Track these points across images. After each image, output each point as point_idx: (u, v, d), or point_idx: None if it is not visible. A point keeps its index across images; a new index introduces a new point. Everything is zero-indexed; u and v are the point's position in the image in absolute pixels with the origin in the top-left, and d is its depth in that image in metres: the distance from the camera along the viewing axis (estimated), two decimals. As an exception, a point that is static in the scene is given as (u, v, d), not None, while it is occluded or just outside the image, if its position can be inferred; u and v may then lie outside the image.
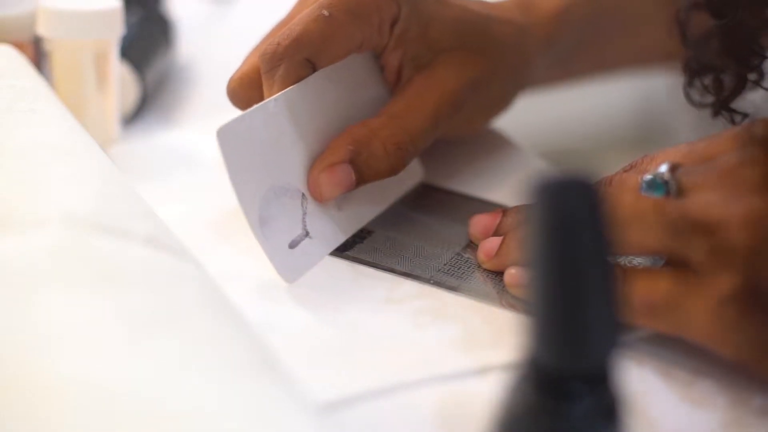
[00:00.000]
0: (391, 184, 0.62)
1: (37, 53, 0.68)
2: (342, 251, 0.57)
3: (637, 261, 0.52)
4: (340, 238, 0.58)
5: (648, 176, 0.49)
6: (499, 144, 0.71)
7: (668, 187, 0.48)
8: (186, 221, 0.57)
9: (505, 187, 0.64)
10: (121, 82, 0.70)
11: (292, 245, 0.56)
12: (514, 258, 0.54)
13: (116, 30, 0.67)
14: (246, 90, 0.60)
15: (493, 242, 0.55)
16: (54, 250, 0.43)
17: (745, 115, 0.54)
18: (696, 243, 0.45)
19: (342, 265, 0.56)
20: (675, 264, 0.47)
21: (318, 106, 0.58)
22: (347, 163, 0.57)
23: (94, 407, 0.36)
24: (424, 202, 0.63)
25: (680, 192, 0.48)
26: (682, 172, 0.48)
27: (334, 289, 0.54)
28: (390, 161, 0.58)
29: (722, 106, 0.54)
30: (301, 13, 0.58)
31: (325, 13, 0.57)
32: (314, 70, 0.58)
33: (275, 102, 0.56)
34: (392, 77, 0.62)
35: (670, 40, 0.57)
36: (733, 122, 0.54)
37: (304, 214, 0.57)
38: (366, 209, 0.61)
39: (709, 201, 0.46)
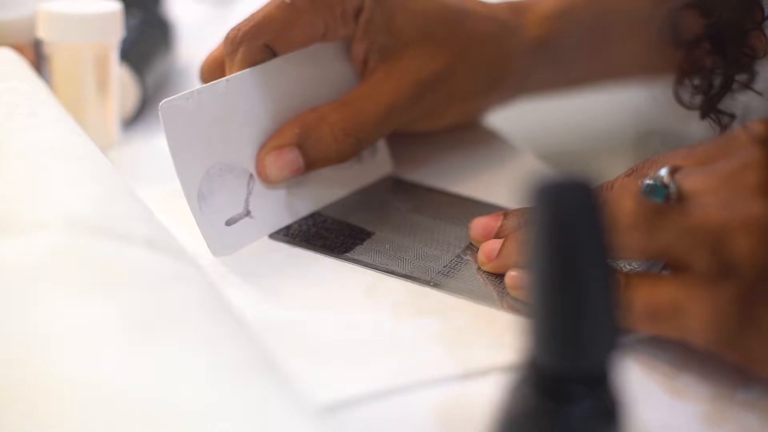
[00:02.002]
0: (352, 174, 0.63)
1: (37, 56, 0.68)
2: (341, 253, 0.57)
3: (635, 265, 0.52)
4: (284, 221, 0.59)
5: (648, 181, 0.49)
6: (498, 146, 0.71)
7: (668, 192, 0.48)
8: (185, 224, 0.57)
9: (505, 189, 0.64)
10: (121, 85, 0.70)
11: (230, 222, 0.57)
12: (514, 260, 0.54)
13: (116, 33, 0.67)
14: (214, 73, 0.61)
15: (494, 244, 0.55)
16: (55, 252, 0.43)
17: (732, 116, 0.54)
18: (697, 247, 0.45)
19: (340, 266, 0.56)
20: (676, 268, 0.47)
21: (278, 90, 0.60)
22: (294, 146, 0.59)
23: (94, 408, 0.36)
24: (423, 204, 0.63)
25: (681, 196, 0.48)
26: (682, 175, 0.48)
27: (332, 290, 0.54)
28: (338, 146, 0.59)
29: (710, 106, 0.54)
30: (268, 1, 0.59)
31: (288, 0, 0.58)
32: (274, 55, 0.59)
33: (226, 82, 0.57)
34: (359, 67, 0.63)
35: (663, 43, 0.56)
36: (719, 123, 0.54)
37: (249, 194, 0.58)
38: (319, 195, 0.62)
39: (709, 205, 0.46)
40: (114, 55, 0.67)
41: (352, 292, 0.54)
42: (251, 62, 0.59)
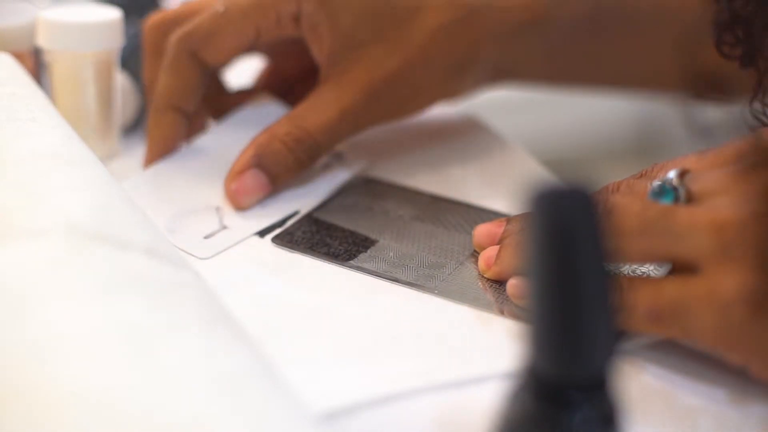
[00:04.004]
0: (323, 178, 0.64)
1: (36, 65, 0.68)
2: (345, 261, 0.56)
3: (641, 271, 0.51)
4: (262, 224, 0.60)
5: (656, 182, 0.49)
6: (502, 153, 0.71)
7: (677, 193, 0.48)
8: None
9: (509, 196, 0.64)
10: (121, 93, 0.69)
11: (208, 236, 0.58)
12: (512, 266, 0.53)
13: (116, 41, 0.66)
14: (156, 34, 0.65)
15: (494, 251, 0.55)
16: (54, 260, 0.43)
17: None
18: (703, 246, 0.44)
19: (341, 271, 0.56)
20: (681, 270, 0.46)
21: (215, 159, 0.64)
22: (253, 167, 0.60)
23: (92, 416, 0.36)
24: (426, 211, 0.62)
25: (689, 198, 0.48)
26: (690, 178, 0.48)
27: (333, 296, 0.54)
28: (294, 155, 0.61)
29: (752, 56, 0.53)
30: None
31: (220, 9, 0.61)
32: (202, 65, 0.62)
33: (152, 172, 0.63)
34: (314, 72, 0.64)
35: (677, 55, 0.55)
36: (759, 73, 0.53)
37: (221, 218, 0.60)
38: (293, 201, 0.63)
39: (719, 205, 0.45)
40: (114, 64, 0.67)
41: (353, 297, 0.54)
42: (177, 69, 0.61)
